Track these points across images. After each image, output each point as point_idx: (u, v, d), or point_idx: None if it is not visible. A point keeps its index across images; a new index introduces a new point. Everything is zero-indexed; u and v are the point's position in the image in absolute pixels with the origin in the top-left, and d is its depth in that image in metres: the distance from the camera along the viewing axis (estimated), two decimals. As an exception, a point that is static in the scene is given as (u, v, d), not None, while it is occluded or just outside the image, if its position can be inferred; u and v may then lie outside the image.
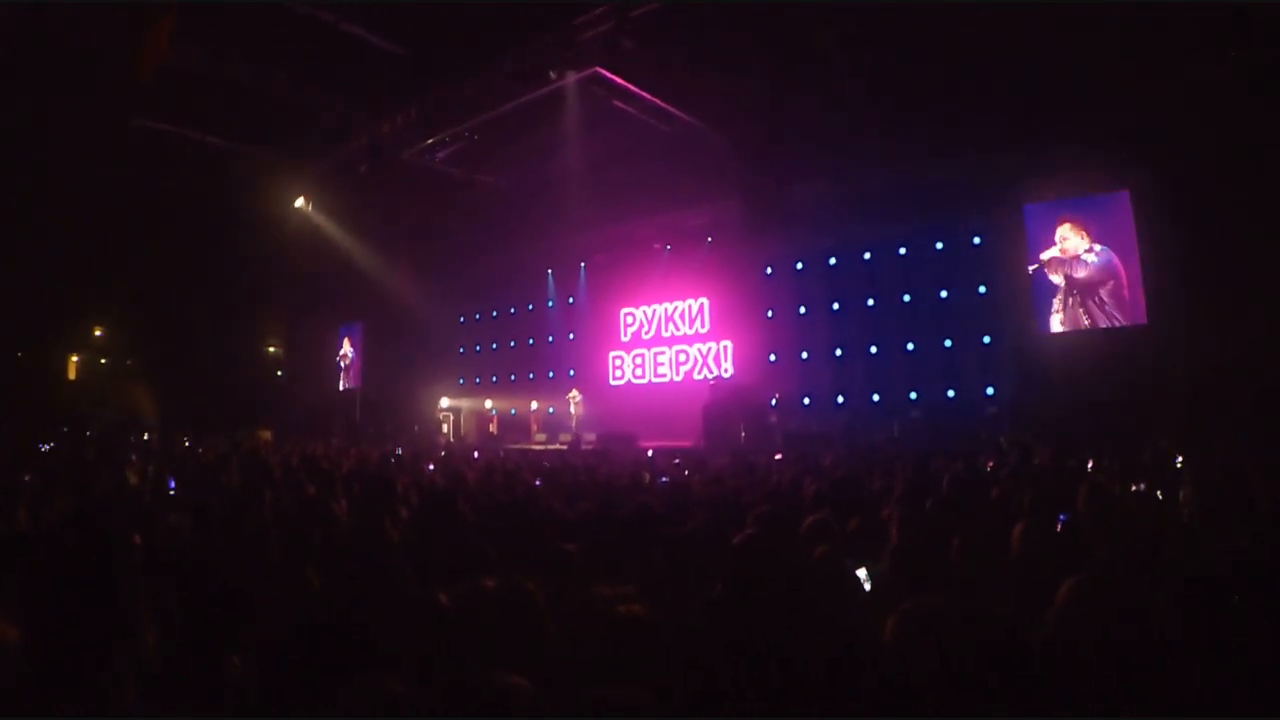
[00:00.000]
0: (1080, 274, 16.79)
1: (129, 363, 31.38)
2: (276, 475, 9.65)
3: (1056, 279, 17.04)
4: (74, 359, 31.72)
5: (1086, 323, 16.72)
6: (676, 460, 12.32)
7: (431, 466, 12.54)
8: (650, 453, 14.72)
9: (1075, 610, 2.98)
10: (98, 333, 31.58)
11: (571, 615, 3.01)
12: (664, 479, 9.17)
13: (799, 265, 21.52)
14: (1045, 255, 17.16)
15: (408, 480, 9.15)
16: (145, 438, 20.64)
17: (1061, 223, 17.02)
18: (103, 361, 32.06)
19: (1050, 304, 17.15)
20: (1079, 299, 16.78)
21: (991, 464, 10.48)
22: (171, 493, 9.36)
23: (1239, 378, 13.51)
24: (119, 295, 27.64)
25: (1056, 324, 17.07)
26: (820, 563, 3.81)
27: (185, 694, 2.98)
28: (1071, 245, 16.87)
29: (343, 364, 31.35)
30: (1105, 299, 16.53)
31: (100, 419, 26.45)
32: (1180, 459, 10.00)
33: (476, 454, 16.69)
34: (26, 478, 9.44)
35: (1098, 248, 16.63)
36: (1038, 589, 3.35)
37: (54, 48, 16.67)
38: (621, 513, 5.53)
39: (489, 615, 2.90)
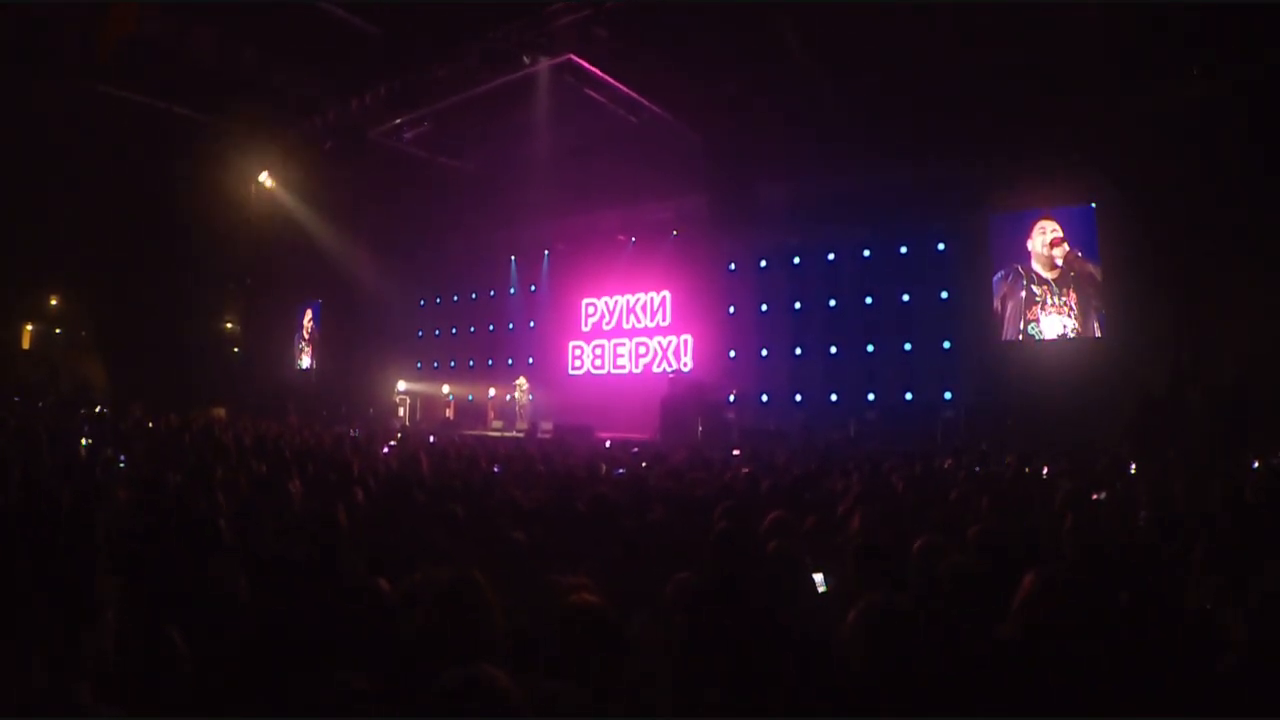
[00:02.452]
0: (1050, 275, 16.98)
1: (83, 334, 30.81)
2: (230, 453, 9.51)
3: (1024, 281, 17.22)
4: (28, 328, 31.10)
5: (1046, 331, 16.92)
6: (635, 450, 12.30)
7: (386, 451, 12.42)
8: (608, 443, 14.69)
9: (1037, 604, 3.00)
10: (53, 302, 30.97)
11: (522, 605, 2.97)
12: (620, 471, 9.14)
13: (763, 263, 21.54)
14: (1025, 256, 17.34)
15: (361, 465, 9.04)
16: (98, 411, 20.21)
17: (1037, 221, 17.17)
18: (57, 331, 31.46)
19: (1012, 310, 17.34)
20: (1044, 303, 16.97)
21: (949, 464, 10.55)
22: (122, 467, 9.20)
23: (1193, 389, 13.75)
24: (76, 265, 27.10)
25: (1017, 332, 17.26)
26: (775, 558, 3.80)
27: (134, 677, 2.90)
28: (1044, 243, 17.04)
29: (303, 341, 31.00)
30: (1069, 305, 16.74)
31: (53, 391, 25.95)
32: (1134, 467, 10.17)
33: (432, 439, 16.57)
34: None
35: (1067, 249, 16.81)
36: (998, 589, 3.38)
37: (11, 11, 16.26)
38: (579, 504, 5.49)
39: (435, 605, 2.85)
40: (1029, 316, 17.16)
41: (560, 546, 4.59)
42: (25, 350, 30.68)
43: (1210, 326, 14.31)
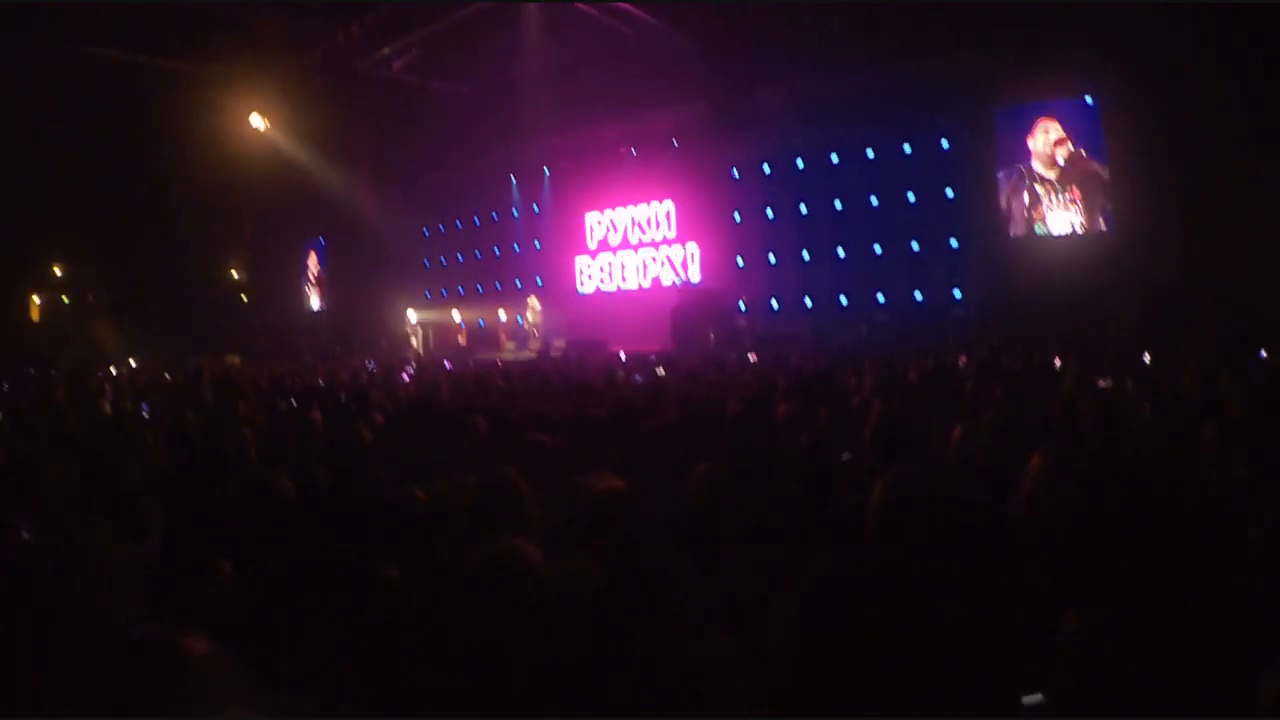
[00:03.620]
0: (1051, 174, 16.79)
1: (90, 298, 30.80)
2: (248, 393, 9.61)
3: (1028, 180, 17.04)
4: (35, 299, 31.09)
5: (1054, 227, 16.79)
6: (652, 357, 12.38)
7: (406, 378, 12.53)
8: (623, 355, 14.77)
9: (1042, 481, 3.06)
10: (57, 271, 30.91)
11: (552, 499, 3.05)
12: (638, 377, 9.22)
13: (766, 168, 21.31)
14: (1027, 155, 17.13)
15: (380, 394, 9.14)
16: (113, 372, 20.38)
17: (1039, 120, 16.93)
18: (64, 299, 31.45)
19: (1018, 207, 17.19)
20: (1048, 201, 16.81)
21: (963, 360, 10.59)
22: (146, 416, 9.32)
23: (1198, 282, 13.71)
24: (76, 230, 27.02)
25: (1024, 228, 17.13)
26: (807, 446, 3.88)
27: (181, 599, 3.01)
28: (1046, 143, 16.81)
29: (310, 281, 31.03)
30: (1074, 202, 16.58)
31: (67, 358, 26.13)
32: (1147, 356, 10.19)
33: (448, 364, 16.68)
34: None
35: (1070, 148, 16.59)
36: (1008, 473, 3.45)
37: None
38: (599, 410, 5.57)
39: (470, 503, 2.93)
40: (1034, 216, 16.98)
41: (582, 450, 4.67)
42: (35, 321, 30.70)
43: (1220, 221, 14.16)
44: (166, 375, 16.32)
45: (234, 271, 33.02)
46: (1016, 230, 17.23)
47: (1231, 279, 13.50)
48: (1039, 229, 16.96)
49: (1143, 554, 2.60)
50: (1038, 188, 16.94)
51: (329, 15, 19.80)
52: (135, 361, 22.85)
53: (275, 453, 5.38)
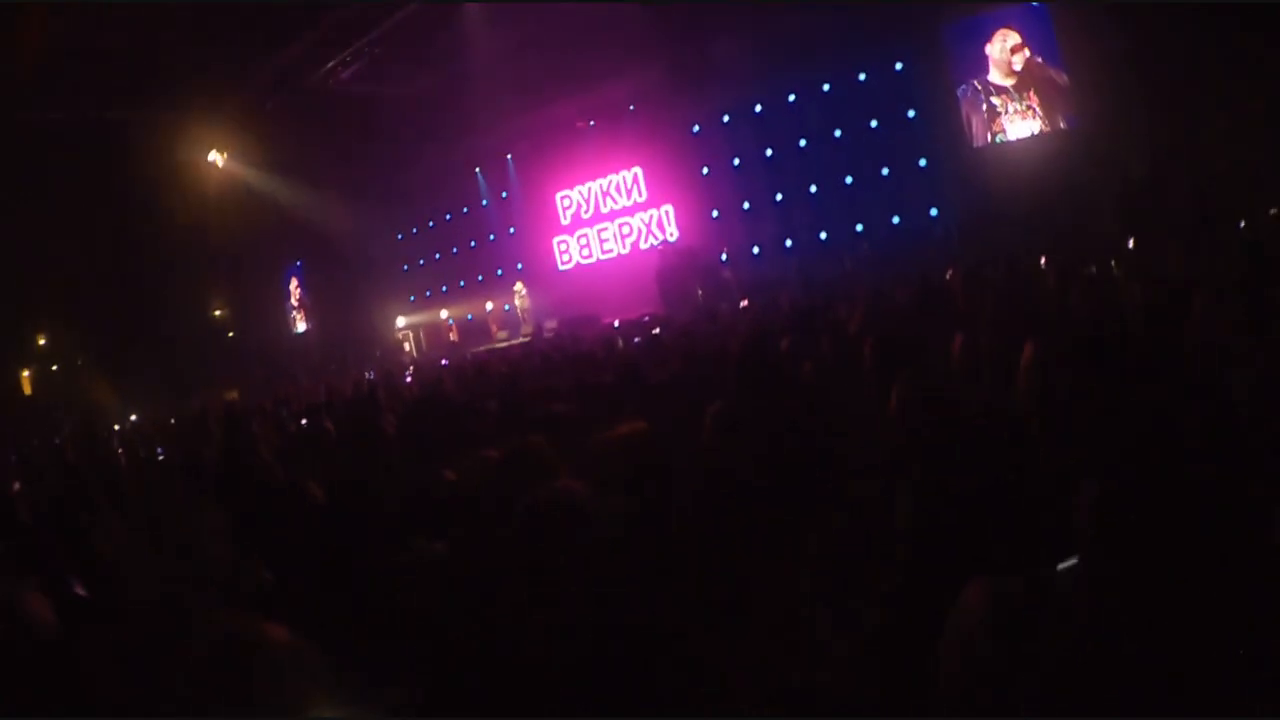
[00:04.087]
0: (1009, 82, 16.83)
1: (79, 363, 30.68)
2: (257, 417, 9.70)
3: (983, 94, 17.08)
4: (25, 374, 30.96)
5: (1012, 134, 16.86)
6: (646, 318, 12.45)
7: (409, 379, 12.61)
8: (617, 324, 14.86)
9: (1035, 367, 3.16)
10: (41, 341, 30.78)
11: (577, 459, 3.14)
12: (637, 339, 9.31)
13: (725, 118, 21.32)
14: (985, 66, 17.14)
15: (387, 396, 9.22)
16: (115, 428, 20.41)
17: (997, 30, 16.93)
18: (54, 369, 31.33)
19: (978, 121, 17.24)
20: (1005, 110, 16.87)
21: (950, 274, 10.67)
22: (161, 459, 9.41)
23: (1171, 169, 13.78)
24: (55, 298, 26.90)
25: (984, 139, 17.21)
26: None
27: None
28: (1003, 50, 16.83)
29: (295, 306, 30.99)
30: (1031, 109, 16.65)
31: (66, 422, 26.11)
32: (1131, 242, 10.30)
33: (445, 361, 16.76)
34: (16, 485, 9.37)
35: (1027, 55, 16.62)
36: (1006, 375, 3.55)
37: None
38: (603, 376, 5.66)
39: (502, 472, 3.02)
40: (994, 129, 17.06)
41: (593, 415, 4.75)
42: (28, 396, 30.57)
43: (1185, 110, 14.20)
44: (172, 421, 16.40)
45: (218, 310, 32.96)
46: (979, 142, 17.30)
47: (1203, 163, 13.59)
48: (999, 140, 17.02)
49: (1142, 419, 2.71)
50: (994, 99, 17.00)
51: (268, 40, 19.64)
52: (135, 415, 22.90)
53: (297, 465, 5.48)
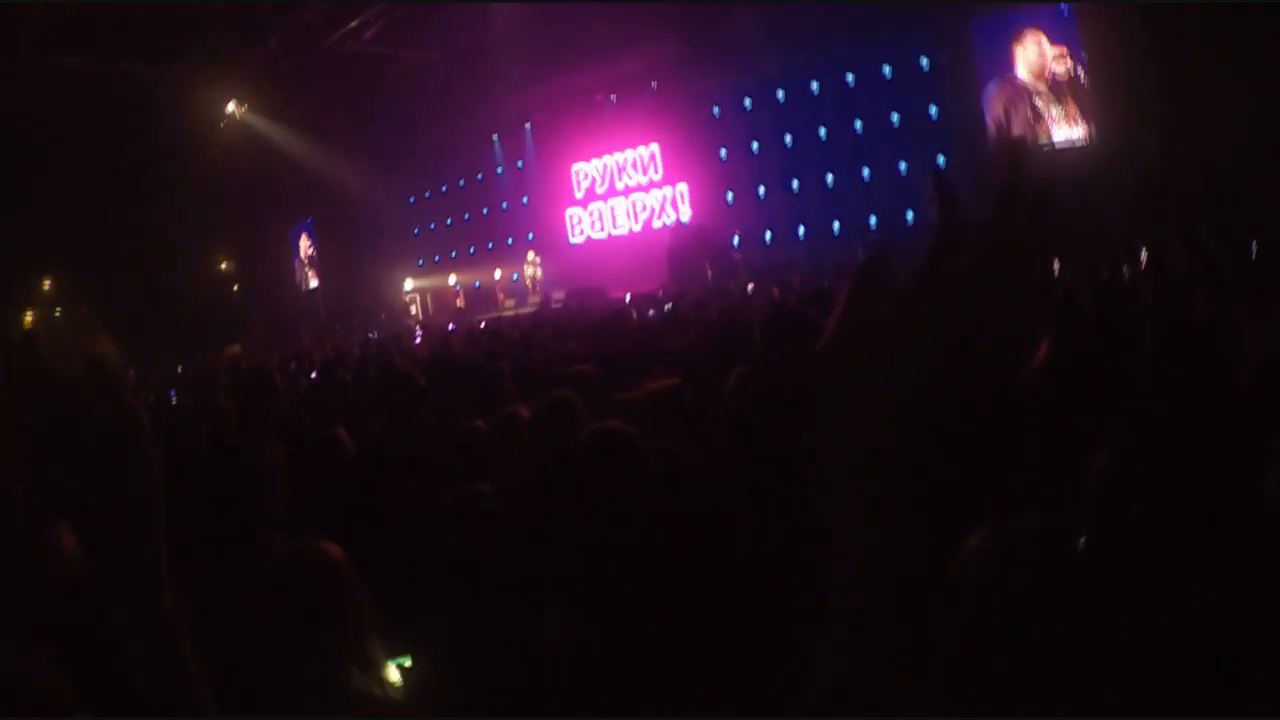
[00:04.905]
0: (1042, 86, 16.83)
1: (83, 309, 30.74)
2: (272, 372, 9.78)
3: (1028, 94, 17.06)
4: (28, 316, 31.01)
5: (1057, 139, 16.85)
6: (660, 293, 12.53)
7: (418, 340, 12.70)
8: (628, 298, 14.91)
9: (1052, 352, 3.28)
10: (47, 285, 30.86)
11: (605, 414, 3.24)
12: (651, 312, 9.41)
13: (747, 102, 21.33)
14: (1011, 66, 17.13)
15: (401, 356, 9.30)
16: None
17: (1025, 31, 16.93)
18: (57, 313, 31.41)
19: (1019, 120, 17.18)
20: (1050, 114, 16.85)
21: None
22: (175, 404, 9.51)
23: (1183, 175, 13.84)
24: (62, 242, 26.95)
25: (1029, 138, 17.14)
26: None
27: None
28: (1039, 54, 16.81)
29: (305, 263, 31.06)
30: (1070, 115, 16.65)
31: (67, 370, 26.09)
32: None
33: (452, 326, 16.84)
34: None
35: (1069, 62, 16.61)
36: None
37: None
38: (620, 343, 5.75)
39: (535, 424, 3.12)
40: (1039, 130, 17.00)
41: (614, 378, 4.84)
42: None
43: (1200, 116, 14.23)
44: (179, 369, 16.46)
45: (224, 263, 33.01)
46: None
47: (1214, 169, 13.64)
48: (1042, 142, 16.99)
49: (1152, 395, 2.83)
50: (1038, 101, 16.96)
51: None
52: (134, 366, 23.00)
53: (314, 417, 5.57)
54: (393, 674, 2.25)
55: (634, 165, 23.50)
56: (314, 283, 30.90)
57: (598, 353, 6.10)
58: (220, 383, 10.67)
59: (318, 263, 30.62)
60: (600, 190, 24.25)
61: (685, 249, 18.67)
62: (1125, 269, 8.55)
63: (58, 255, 28.15)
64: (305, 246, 31.03)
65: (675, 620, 1.86)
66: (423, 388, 4.75)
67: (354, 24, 20.63)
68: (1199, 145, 14.14)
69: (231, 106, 23.48)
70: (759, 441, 2.78)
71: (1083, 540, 2.28)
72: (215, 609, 2.02)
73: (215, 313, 29.11)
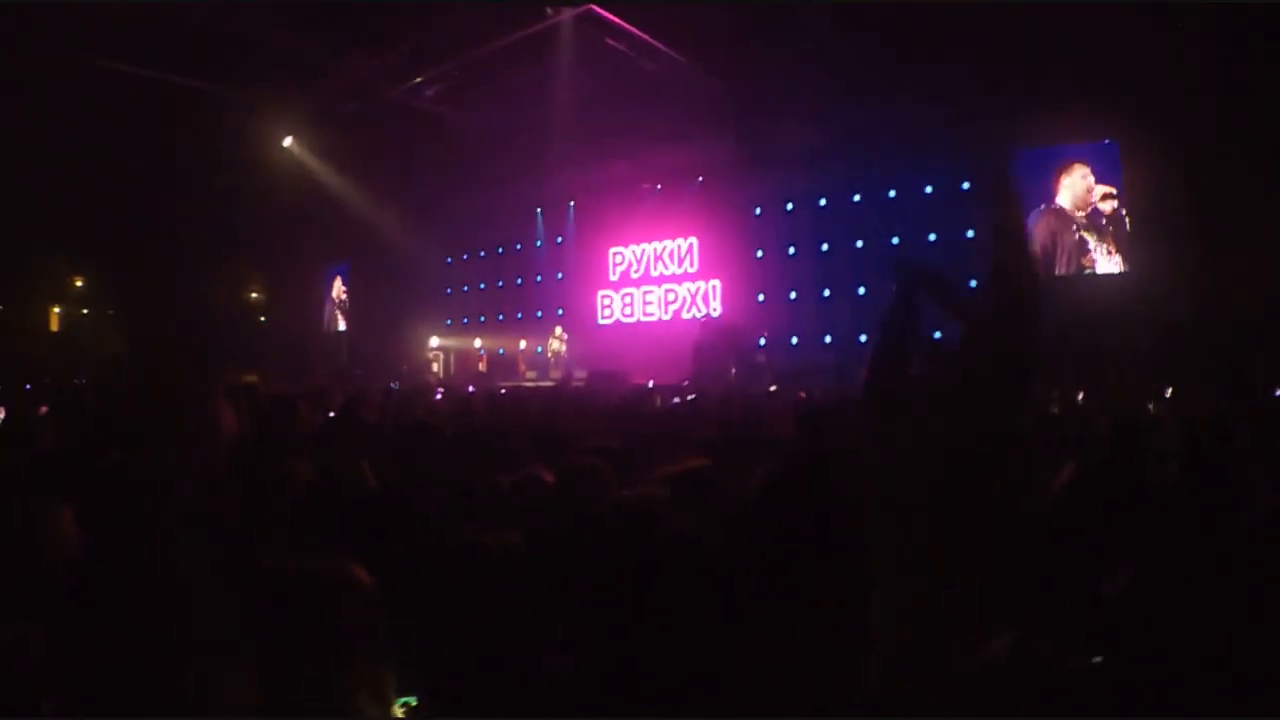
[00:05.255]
0: (1081, 214, 17.10)
1: (110, 313, 31.11)
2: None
3: (1075, 225, 17.30)
4: (55, 310, 31.40)
5: (1104, 269, 17.06)
6: (685, 383, 12.60)
7: (439, 396, 12.78)
8: (650, 384, 15.00)
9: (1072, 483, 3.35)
10: (78, 283, 31.27)
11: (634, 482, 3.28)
12: (676, 400, 9.46)
13: (789, 206, 21.65)
14: (1052, 197, 17.42)
15: (426, 411, 9.37)
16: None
17: (1072, 164, 17.23)
18: (84, 312, 31.77)
19: (1061, 250, 17.42)
20: (1095, 245, 17.07)
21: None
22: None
23: (1214, 322, 13.92)
24: (100, 245, 27.36)
25: (1071, 269, 17.39)
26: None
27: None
28: (1085, 188, 17.11)
29: (336, 305, 31.40)
30: (1098, 244, 16.87)
31: (86, 369, 26.34)
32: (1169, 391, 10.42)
33: (472, 389, 16.92)
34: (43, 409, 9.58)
35: (1115, 198, 16.89)
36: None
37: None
38: (646, 425, 5.81)
39: (561, 485, 3.18)
40: (1085, 262, 17.23)
41: (640, 458, 4.89)
42: (53, 332, 30.98)
43: (1235, 261, 14.39)
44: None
45: (254, 292, 33.36)
46: (1061, 269, 17.45)
47: (1247, 320, 13.71)
48: (1086, 272, 17.20)
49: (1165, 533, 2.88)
50: (1085, 232, 17.19)
51: (363, 43, 20.12)
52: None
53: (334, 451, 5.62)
54: (398, 711, 2.27)
55: (671, 255, 23.80)
56: (341, 326, 31.18)
57: (626, 430, 6.16)
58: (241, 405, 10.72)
59: (348, 307, 30.92)
60: (635, 275, 24.53)
61: (712, 345, 18.76)
62: (1151, 405, 8.62)
63: (93, 254, 28.51)
64: (338, 288, 31.38)
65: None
66: (444, 439, 4.80)
67: (418, 80, 21.08)
68: (1231, 293, 14.25)
69: (289, 140, 23.85)
70: (786, 530, 2.81)
71: (1095, 659, 2.32)
72: (240, 616, 2.07)
73: (238, 338, 29.29)
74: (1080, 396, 10.20)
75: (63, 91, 19.65)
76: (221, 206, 25.67)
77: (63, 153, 22.11)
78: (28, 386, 16.74)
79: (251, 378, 23.09)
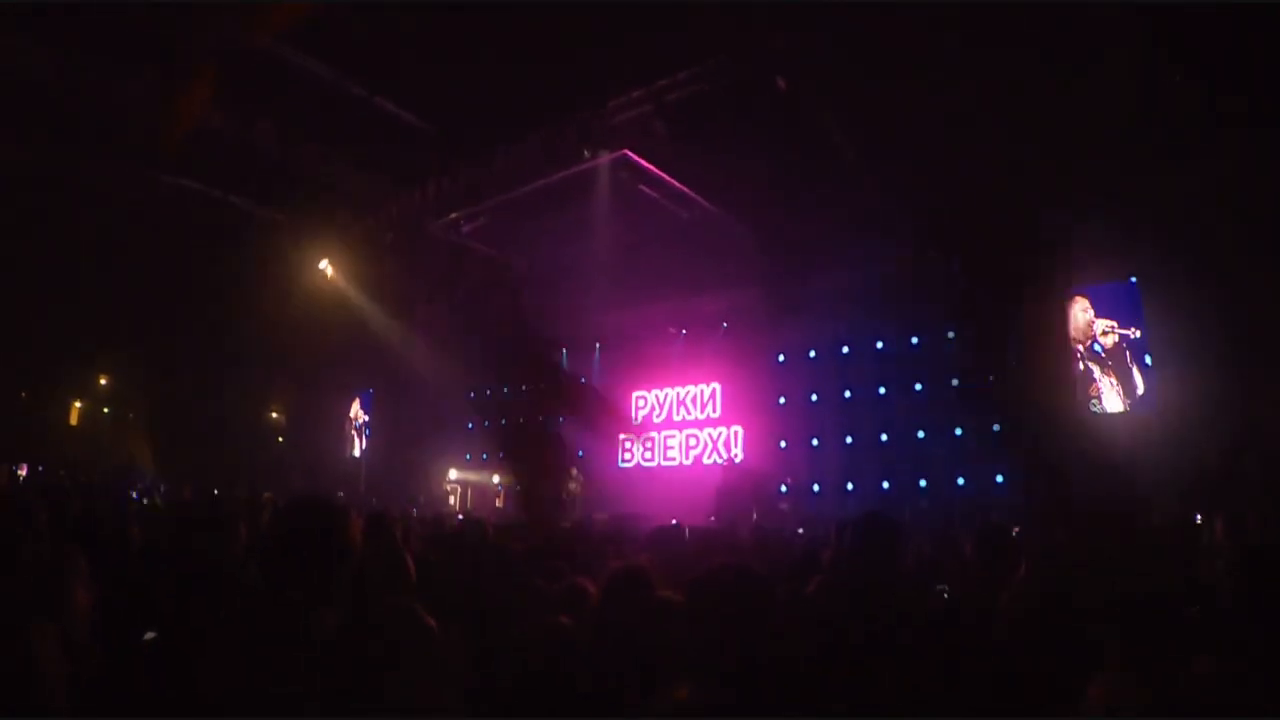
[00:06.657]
0: (1082, 350, 17.11)
1: (130, 415, 31.35)
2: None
3: (1082, 359, 17.30)
4: (76, 405, 31.68)
5: (1108, 405, 16.97)
6: (712, 518, 12.46)
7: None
8: (674, 522, 14.74)
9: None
10: (103, 381, 31.59)
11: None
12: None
13: (812, 353, 21.84)
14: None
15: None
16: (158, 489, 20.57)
17: (1074, 299, 17.35)
18: (105, 410, 32.03)
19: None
20: (1101, 379, 17.01)
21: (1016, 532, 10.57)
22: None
23: (1245, 456, 13.70)
24: (128, 346, 27.71)
25: (1080, 406, 17.28)
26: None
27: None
28: (1087, 321, 17.18)
29: (354, 428, 31.44)
30: (1113, 384, 16.81)
31: (101, 466, 26.35)
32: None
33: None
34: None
35: (1118, 333, 16.92)
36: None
37: (79, 97, 16.73)
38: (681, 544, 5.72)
39: (607, 591, 3.11)
40: (1090, 394, 17.19)
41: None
42: (72, 425, 31.18)
43: (1265, 396, 14.26)
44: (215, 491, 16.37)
45: (274, 412, 33.50)
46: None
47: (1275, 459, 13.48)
48: (1094, 406, 17.10)
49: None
50: (1091, 365, 17.16)
51: (407, 177, 20.72)
52: (164, 485, 23.04)
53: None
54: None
55: (693, 401, 23.89)
56: (358, 450, 31.13)
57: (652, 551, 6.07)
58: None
59: (366, 432, 30.95)
60: (658, 420, 24.58)
61: (734, 489, 18.64)
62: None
63: (120, 358, 28.81)
64: (355, 410, 31.46)
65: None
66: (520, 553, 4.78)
67: (456, 216, 21.54)
68: (1261, 433, 14.04)
69: (325, 263, 24.12)
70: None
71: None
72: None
73: (255, 457, 29.26)
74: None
75: (115, 196, 20.15)
76: (252, 322, 25.95)
77: (103, 251, 22.54)
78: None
79: (267, 495, 23.08)
